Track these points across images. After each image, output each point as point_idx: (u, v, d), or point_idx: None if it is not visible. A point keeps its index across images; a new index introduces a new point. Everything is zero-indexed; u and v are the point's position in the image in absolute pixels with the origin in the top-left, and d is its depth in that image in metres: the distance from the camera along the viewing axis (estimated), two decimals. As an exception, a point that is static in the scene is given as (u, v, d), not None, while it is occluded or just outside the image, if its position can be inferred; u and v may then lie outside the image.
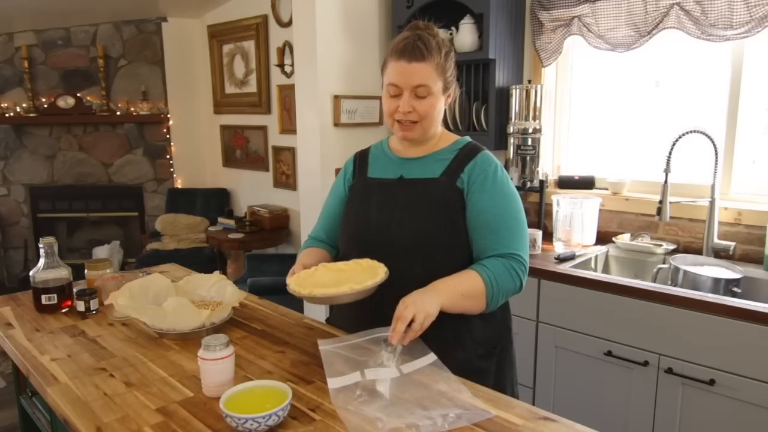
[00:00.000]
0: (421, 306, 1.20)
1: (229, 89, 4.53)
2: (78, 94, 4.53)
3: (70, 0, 4.01)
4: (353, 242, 1.44)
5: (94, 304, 1.63)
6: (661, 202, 2.15)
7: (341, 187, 1.55)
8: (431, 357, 1.22)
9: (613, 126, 2.65)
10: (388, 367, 1.18)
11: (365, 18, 2.93)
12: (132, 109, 4.61)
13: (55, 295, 1.63)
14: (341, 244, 1.51)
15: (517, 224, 1.36)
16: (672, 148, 2.13)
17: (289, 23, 3.73)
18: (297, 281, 1.30)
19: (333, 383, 1.13)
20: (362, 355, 1.21)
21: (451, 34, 2.72)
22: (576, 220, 2.44)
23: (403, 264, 1.33)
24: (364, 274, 1.28)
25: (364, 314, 1.41)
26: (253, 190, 4.50)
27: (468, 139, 1.46)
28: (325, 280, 1.31)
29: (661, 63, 2.45)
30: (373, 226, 1.35)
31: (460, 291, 1.28)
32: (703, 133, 2.12)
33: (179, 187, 4.79)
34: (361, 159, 1.54)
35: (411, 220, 1.35)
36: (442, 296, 1.25)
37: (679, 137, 2.12)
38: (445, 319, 1.35)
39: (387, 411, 1.07)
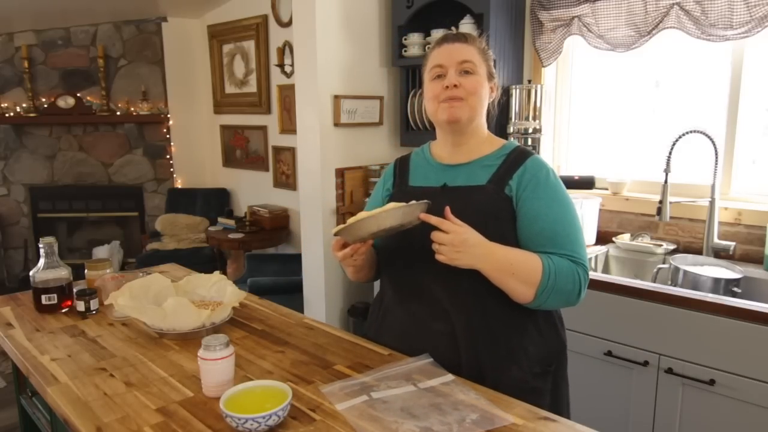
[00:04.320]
0: (461, 256, 1.17)
1: (229, 89, 4.53)
2: (78, 94, 4.53)
3: (70, 0, 4.01)
4: (396, 254, 1.38)
5: (94, 304, 1.63)
6: (661, 202, 2.14)
7: (379, 197, 1.47)
8: (450, 377, 1.21)
9: (613, 126, 2.64)
10: (399, 388, 1.16)
11: (365, 18, 2.93)
12: (132, 109, 4.61)
13: (55, 295, 1.63)
14: (382, 256, 1.42)
15: (575, 231, 1.28)
16: (672, 148, 2.13)
17: (289, 23, 3.73)
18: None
19: (341, 406, 1.10)
20: (367, 386, 1.18)
21: (451, 34, 2.71)
22: (576, 220, 2.44)
23: (447, 278, 1.26)
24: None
25: (410, 328, 1.35)
26: (253, 190, 4.50)
27: (515, 143, 1.40)
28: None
29: (661, 63, 2.45)
30: (416, 238, 1.26)
31: (512, 270, 1.21)
32: (703, 133, 2.12)
33: (179, 187, 4.79)
34: (401, 166, 1.47)
35: None
36: (488, 264, 1.20)
37: (679, 137, 2.11)
38: (499, 334, 1.28)
39: (401, 414, 1.06)
